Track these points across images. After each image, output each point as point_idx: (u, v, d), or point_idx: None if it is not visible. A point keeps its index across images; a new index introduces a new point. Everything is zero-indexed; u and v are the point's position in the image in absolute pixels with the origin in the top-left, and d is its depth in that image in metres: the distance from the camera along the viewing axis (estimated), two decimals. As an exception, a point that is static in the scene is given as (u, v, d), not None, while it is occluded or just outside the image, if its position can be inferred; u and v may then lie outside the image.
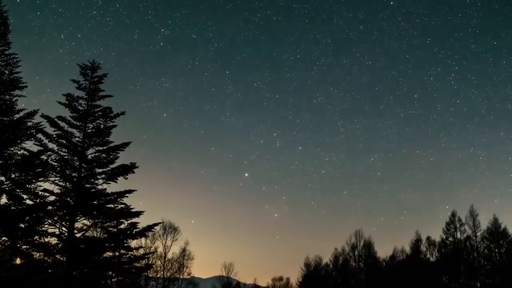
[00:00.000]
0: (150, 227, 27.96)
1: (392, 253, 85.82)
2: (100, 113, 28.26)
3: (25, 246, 24.87)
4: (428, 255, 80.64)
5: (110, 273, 27.98)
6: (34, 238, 25.02)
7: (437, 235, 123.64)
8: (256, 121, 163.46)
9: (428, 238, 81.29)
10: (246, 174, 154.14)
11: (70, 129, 27.47)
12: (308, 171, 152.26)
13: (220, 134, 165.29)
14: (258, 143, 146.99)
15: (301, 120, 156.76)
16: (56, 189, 26.18)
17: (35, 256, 25.38)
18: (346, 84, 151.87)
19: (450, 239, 75.56)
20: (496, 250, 70.71)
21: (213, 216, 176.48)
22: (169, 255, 77.72)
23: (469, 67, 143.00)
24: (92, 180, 27.48)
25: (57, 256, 25.65)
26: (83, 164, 27.25)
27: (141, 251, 47.41)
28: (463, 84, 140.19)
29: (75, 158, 27.21)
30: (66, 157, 26.99)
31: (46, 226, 25.57)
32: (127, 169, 27.84)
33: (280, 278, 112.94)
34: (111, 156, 27.97)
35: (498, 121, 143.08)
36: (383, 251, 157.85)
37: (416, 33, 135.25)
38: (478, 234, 72.30)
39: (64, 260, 25.45)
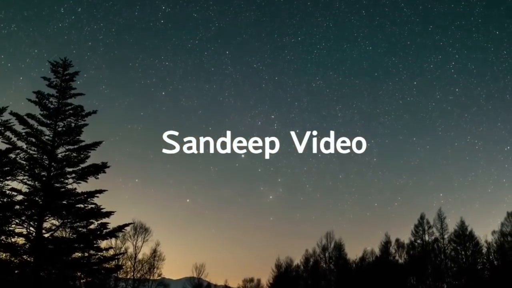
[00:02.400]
0: (120, 228, 27.71)
1: (362, 254, 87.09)
2: (71, 112, 27.87)
3: (-9, 246, 24.37)
4: (397, 257, 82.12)
5: (79, 274, 27.66)
6: (1, 238, 24.55)
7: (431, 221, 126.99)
8: (254, 102, 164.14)
9: (397, 240, 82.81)
10: (243, 156, 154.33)
11: (40, 127, 27.03)
12: (304, 155, 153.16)
13: (218, 114, 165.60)
14: (256, 125, 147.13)
15: (299, 103, 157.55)
16: (24, 188, 25.75)
17: (1, 257, 24.89)
18: (345, 69, 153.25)
19: (419, 241, 77.07)
20: (463, 253, 72.38)
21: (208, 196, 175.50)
22: (140, 256, 77.05)
23: (469, 56, 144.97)
24: (62, 179, 27.07)
25: (25, 256, 25.14)
26: (52, 163, 26.82)
27: (111, 252, 46.89)
28: (463, 73, 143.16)
29: (44, 156, 26.76)
30: (35, 155, 26.53)
31: (13, 226, 25.10)
32: (98, 169, 27.52)
33: (251, 280, 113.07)
34: (82, 155, 27.61)
35: (496, 111, 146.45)
36: (376, 237, 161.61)
37: (418, 20, 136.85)
38: (446, 236, 74.06)
39: (32, 260, 24.98)
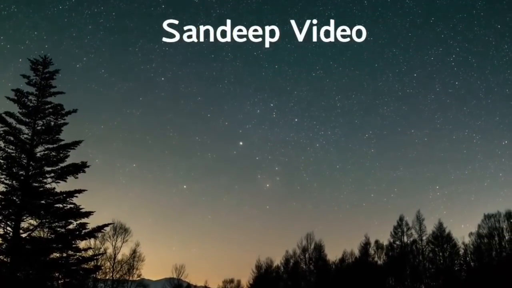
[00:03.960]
0: (100, 228, 27.50)
1: (342, 256, 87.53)
2: (50, 110, 27.58)
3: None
4: (376, 258, 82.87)
5: (57, 274, 27.33)
6: (-23, 238, 24.15)
7: (426, 213, 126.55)
8: (253, 90, 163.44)
9: (376, 242, 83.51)
10: (241, 143, 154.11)
11: (18, 126, 26.73)
12: (302, 144, 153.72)
13: (217, 101, 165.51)
14: (254, 113, 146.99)
15: (299, 92, 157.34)
16: (1, 187, 25.48)
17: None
18: (346, 59, 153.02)
19: (398, 242, 77.89)
20: (440, 254, 73.38)
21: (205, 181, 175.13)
22: (119, 257, 76.29)
23: (470, 49, 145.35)
24: (41, 178, 26.77)
25: (1, 256, 24.85)
26: (31, 162, 26.50)
27: (90, 252, 46.52)
28: (463, 66, 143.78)
29: (23, 155, 26.43)
30: (13, 154, 26.19)
31: (-10, 225, 24.72)
32: (77, 168, 27.27)
33: (231, 280, 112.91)
34: (61, 155, 27.33)
35: (495, 105, 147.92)
36: (372, 227, 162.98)
37: (420, 11, 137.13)
38: (424, 238, 75.05)
39: (9, 261, 24.67)
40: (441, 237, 72.93)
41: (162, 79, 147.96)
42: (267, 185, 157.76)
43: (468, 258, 72.93)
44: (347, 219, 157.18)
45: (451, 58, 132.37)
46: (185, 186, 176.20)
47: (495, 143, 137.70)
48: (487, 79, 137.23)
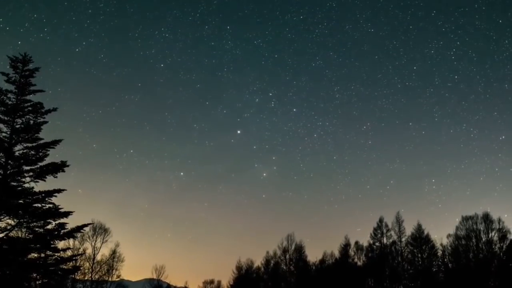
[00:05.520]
0: (79, 228, 27.23)
1: (322, 257, 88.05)
2: (30, 108, 27.23)
3: None
4: (356, 259, 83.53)
5: (34, 275, 26.99)
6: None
7: (420, 208, 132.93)
8: (252, 79, 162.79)
9: (356, 243, 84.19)
10: (239, 132, 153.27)
11: (-4, 124, 26.28)
12: (300, 134, 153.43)
13: (216, 89, 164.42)
14: (253, 102, 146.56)
15: (298, 82, 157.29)
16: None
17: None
18: (346, 50, 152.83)
19: (377, 244, 78.67)
20: (419, 255, 74.33)
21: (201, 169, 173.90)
22: (98, 257, 75.60)
23: (471, 43, 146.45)
24: (19, 177, 26.41)
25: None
26: (9, 161, 26.14)
27: (69, 253, 45.93)
28: (463, 60, 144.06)
29: (1, 154, 26.08)
30: (-9, 152, 25.77)
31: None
32: (57, 168, 26.95)
33: (212, 281, 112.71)
34: (41, 154, 26.99)
35: (493, 100, 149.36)
36: (367, 219, 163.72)
37: (422, 4, 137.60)
38: (403, 239, 75.93)
39: (-15, 261, 24.25)
40: (420, 239, 73.86)
41: (162, 65, 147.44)
42: (264, 175, 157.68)
43: (446, 260, 74.00)
44: (343, 210, 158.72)
45: (451, 52, 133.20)
46: (182, 173, 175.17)
47: (492, 138, 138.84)
48: (487, 74, 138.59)
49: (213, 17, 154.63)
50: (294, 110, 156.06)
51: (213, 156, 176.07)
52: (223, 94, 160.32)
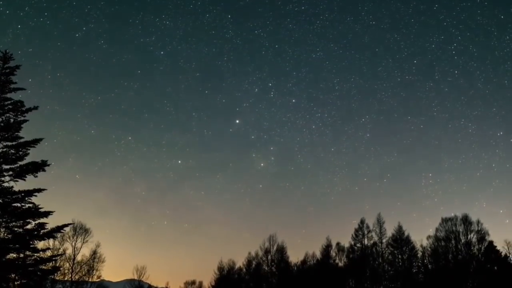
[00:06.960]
0: (59, 228, 27.00)
1: (304, 258, 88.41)
2: (10, 107, 26.91)
3: None
4: (337, 260, 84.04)
5: (13, 275, 26.62)
6: None
7: (418, 200, 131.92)
8: (252, 69, 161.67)
9: (337, 244, 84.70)
10: (237, 121, 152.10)
11: (-25, 122, 25.91)
12: (298, 125, 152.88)
13: (215, 78, 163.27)
14: (252, 91, 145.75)
15: (298, 73, 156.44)
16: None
17: None
18: (347, 42, 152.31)
19: (358, 245, 79.31)
20: (399, 256, 75.17)
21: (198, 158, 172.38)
22: (79, 258, 74.76)
23: (472, 38, 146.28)
24: (-2, 177, 26.04)
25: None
26: (-12, 160, 25.75)
27: (49, 253, 45.39)
28: (464, 55, 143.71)
29: (-21, 153, 25.66)
30: (-31, 151, 25.39)
31: None
32: (37, 167, 26.67)
33: (193, 282, 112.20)
34: (21, 153, 26.67)
35: (493, 96, 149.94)
36: (363, 211, 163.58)
37: None
38: (384, 240, 76.70)
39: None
40: (401, 240, 74.69)
41: (162, 53, 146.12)
42: (261, 165, 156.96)
43: (425, 261, 74.92)
44: (339, 202, 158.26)
45: (452, 46, 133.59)
46: (179, 161, 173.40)
47: (490, 134, 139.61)
48: (487, 69, 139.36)
49: (214, 5, 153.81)
50: (293, 101, 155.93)
51: (212, 144, 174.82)
52: (223, 83, 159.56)
